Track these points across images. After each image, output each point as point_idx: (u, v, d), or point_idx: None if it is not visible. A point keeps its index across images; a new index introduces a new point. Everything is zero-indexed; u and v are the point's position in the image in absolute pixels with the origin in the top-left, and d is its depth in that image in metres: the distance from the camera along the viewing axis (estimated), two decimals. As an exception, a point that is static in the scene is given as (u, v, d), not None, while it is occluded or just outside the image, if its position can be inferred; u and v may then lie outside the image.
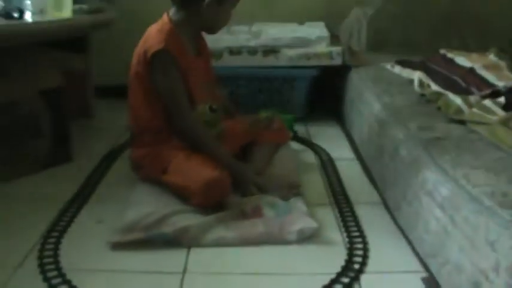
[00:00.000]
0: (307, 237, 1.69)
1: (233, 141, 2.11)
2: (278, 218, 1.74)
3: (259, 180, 1.95)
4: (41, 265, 1.53)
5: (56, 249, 1.62)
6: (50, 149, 2.22)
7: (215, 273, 1.53)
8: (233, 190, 1.88)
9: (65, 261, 1.55)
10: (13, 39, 2.05)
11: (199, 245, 1.66)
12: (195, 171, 1.82)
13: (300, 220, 1.73)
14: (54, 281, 1.46)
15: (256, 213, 1.77)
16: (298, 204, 1.85)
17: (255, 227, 1.71)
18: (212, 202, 1.79)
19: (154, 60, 1.90)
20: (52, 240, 1.67)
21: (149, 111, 1.98)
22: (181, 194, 1.85)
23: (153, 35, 1.93)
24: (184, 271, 1.53)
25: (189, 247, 1.65)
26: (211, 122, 2.04)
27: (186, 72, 1.93)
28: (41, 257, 1.57)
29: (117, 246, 1.63)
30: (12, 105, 2.08)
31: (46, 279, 1.47)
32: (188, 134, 1.96)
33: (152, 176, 1.96)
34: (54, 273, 1.49)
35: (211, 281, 1.49)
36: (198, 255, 1.62)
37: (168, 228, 1.67)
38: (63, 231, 1.72)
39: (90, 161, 2.27)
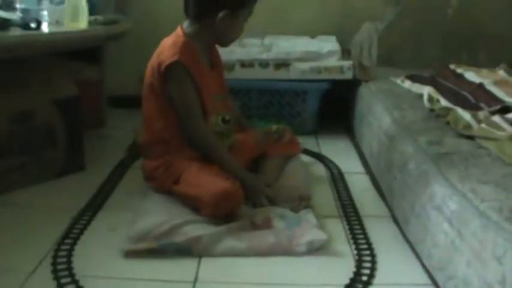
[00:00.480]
0: (317, 249, 1.71)
1: (244, 153, 2.13)
2: (288, 230, 1.76)
3: (269, 192, 1.96)
4: (55, 271, 1.55)
5: (70, 256, 1.64)
6: (64, 158, 2.25)
7: (225, 283, 1.54)
8: (244, 201, 1.90)
9: (78, 268, 1.57)
10: (30, 50, 2.09)
11: (210, 254, 1.67)
12: (207, 182, 1.84)
13: (309, 232, 1.75)
14: (68, 287, 1.48)
15: (267, 224, 1.79)
16: (308, 216, 1.87)
17: (265, 238, 1.73)
18: (223, 213, 1.81)
19: (168, 72, 1.92)
20: (65, 247, 1.69)
21: (162, 122, 2.01)
22: (192, 204, 1.86)
23: (167, 48, 1.96)
24: (195, 280, 1.54)
25: (200, 257, 1.67)
26: (224, 133, 2.07)
27: (199, 84, 1.96)
28: (54, 264, 1.59)
29: (130, 254, 1.65)
30: (28, 115, 2.11)
31: (59, 285, 1.49)
32: (200, 144, 1.99)
33: (165, 187, 1.97)
34: (68, 279, 1.51)
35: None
36: (209, 264, 1.64)
37: (179, 238, 1.68)
38: (76, 239, 1.75)
39: (102, 170, 2.30)
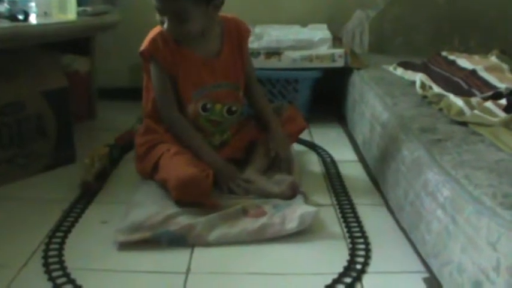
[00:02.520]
0: (308, 224, 1.72)
1: (241, 138, 2.16)
2: (280, 212, 1.77)
3: (242, 182, 1.97)
4: (46, 265, 1.54)
5: (61, 249, 1.63)
6: (54, 150, 2.23)
7: (218, 273, 1.53)
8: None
9: (69, 261, 1.56)
10: (18, 41, 2.07)
11: (204, 242, 1.67)
12: (177, 166, 1.86)
13: (299, 208, 1.77)
14: (59, 281, 1.46)
15: (259, 211, 1.79)
16: (299, 201, 1.87)
17: (258, 221, 1.73)
18: (188, 198, 1.82)
19: (142, 58, 2.00)
20: (57, 240, 1.68)
21: (150, 103, 2.08)
22: (166, 188, 1.88)
23: (149, 34, 2.01)
24: (188, 271, 1.54)
25: (192, 247, 1.66)
26: (223, 124, 2.09)
27: (176, 73, 1.99)
28: (45, 257, 1.58)
29: (123, 245, 1.64)
30: (17, 106, 2.09)
31: (51, 278, 1.47)
32: (172, 130, 2.02)
33: (146, 171, 2.00)
34: (59, 272, 1.50)
35: (214, 281, 1.50)
36: (201, 255, 1.63)
37: (173, 227, 1.68)
38: (67, 232, 1.73)
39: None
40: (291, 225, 1.71)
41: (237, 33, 2.09)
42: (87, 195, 1.98)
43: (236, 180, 1.97)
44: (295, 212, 1.74)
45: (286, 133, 2.18)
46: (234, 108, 2.10)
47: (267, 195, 1.91)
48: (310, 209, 1.76)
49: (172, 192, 1.83)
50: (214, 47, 2.06)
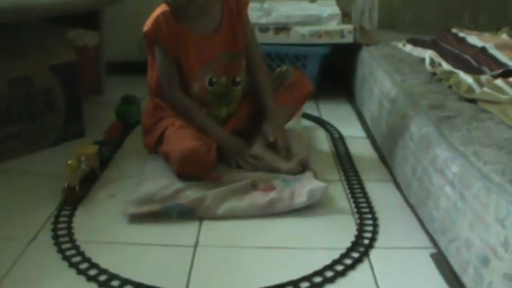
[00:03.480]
0: (318, 199, 1.72)
1: (244, 109, 2.16)
2: (289, 187, 1.77)
3: (249, 159, 1.97)
4: (55, 237, 1.55)
5: (70, 222, 1.64)
6: (63, 125, 2.24)
7: (225, 247, 1.54)
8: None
9: (78, 234, 1.58)
10: (26, 15, 2.07)
11: (213, 215, 1.68)
12: (180, 140, 1.86)
13: (309, 183, 1.77)
14: (68, 253, 1.48)
15: (268, 186, 1.79)
16: (308, 175, 1.87)
17: (267, 195, 1.74)
18: (190, 172, 1.82)
19: (145, 39, 2.00)
20: (66, 213, 1.69)
21: (151, 72, 2.08)
22: (169, 161, 1.89)
23: (152, 14, 1.99)
24: (196, 244, 1.55)
25: (201, 220, 1.67)
26: (229, 96, 2.10)
27: (179, 53, 1.98)
28: (54, 230, 1.59)
29: (133, 218, 1.65)
30: (25, 81, 2.09)
31: (60, 251, 1.49)
32: (176, 109, 2.01)
33: (150, 144, 2.00)
34: (68, 245, 1.52)
35: (222, 254, 1.51)
36: (209, 228, 1.64)
37: (183, 200, 1.69)
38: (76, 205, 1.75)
39: (101, 137, 2.28)
40: (300, 199, 1.71)
41: (236, 3, 2.07)
42: (69, 202, 1.74)
43: (244, 157, 1.97)
44: (305, 187, 1.75)
45: (295, 98, 2.17)
46: (238, 79, 2.09)
47: (275, 172, 1.91)
48: (319, 184, 1.77)
49: (174, 165, 1.83)
50: (214, 22, 2.05)
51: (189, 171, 1.82)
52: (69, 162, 1.76)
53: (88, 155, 1.87)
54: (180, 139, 1.86)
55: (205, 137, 1.92)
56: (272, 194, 1.74)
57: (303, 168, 1.92)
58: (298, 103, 2.23)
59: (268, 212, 1.70)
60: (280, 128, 2.09)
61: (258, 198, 1.74)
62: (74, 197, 1.76)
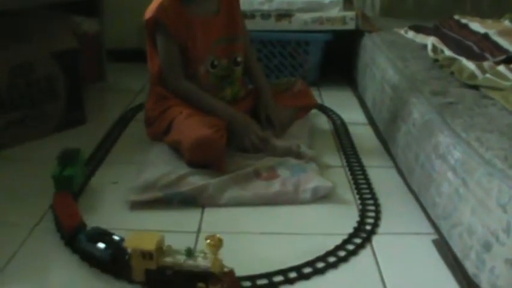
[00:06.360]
0: (321, 197, 1.72)
1: (249, 99, 2.16)
2: (294, 177, 1.76)
3: (260, 133, 1.96)
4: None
5: (72, 208, 1.64)
6: (64, 112, 2.24)
7: (228, 233, 1.52)
8: (236, 148, 1.95)
9: (81, 220, 1.58)
10: (27, 2, 2.06)
11: (215, 203, 1.68)
12: (190, 128, 1.85)
13: (315, 179, 1.76)
14: (71, 239, 1.48)
15: (272, 174, 1.79)
16: (312, 165, 1.87)
17: (271, 186, 1.74)
18: (201, 160, 1.82)
19: (147, 27, 1.98)
20: (68, 199, 1.69)
21: (152, 61, 2.06)
22: (179, 150, 1.88)
23: (152, 3, 1.98)
24: (199, 231, 1.55)
25: (203, 207, 1.67)
26: (231, 77, 2.11)
27: (186, 38, 1.97)
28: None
29: (135, 205, 1.66)
30: (27, 68, 2.09)
31: (63, 237, 1.49)
32: (181, 98, 2.01)
33: (158, 133, 2.00)
34: (71, 231, 1.52)
35: (224, 240, 1.50)
36: (211, 215, 1.64)
37: (185, 187, 1.69)
38: (79, 191, 1.75)
39: (103, 124, 2.29)
40: (304, 195, 1.71)
41: None
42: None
43: (252, 136, 1.95)
44: (310, 182, 1.73)
45: (298, 104, 2.21)
46: (239, 59, 2.10)
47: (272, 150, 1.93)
48: (325, 183, 1.75)
49: (186, 153, 1.83)
50: (214, 5, 2.06)
51: (201, 159, 1.82)
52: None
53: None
54: (192, 127, 1.85)
55: (216, 124, 1.88)
56: (276, 185, 1.74)
57: (297, 147, 1.93)
58: (301, 111, 2.25)
59: (271, 203, 1.70)
60: (275, 106, 2.13)
61: (262, 188, 1.73)
62: None
